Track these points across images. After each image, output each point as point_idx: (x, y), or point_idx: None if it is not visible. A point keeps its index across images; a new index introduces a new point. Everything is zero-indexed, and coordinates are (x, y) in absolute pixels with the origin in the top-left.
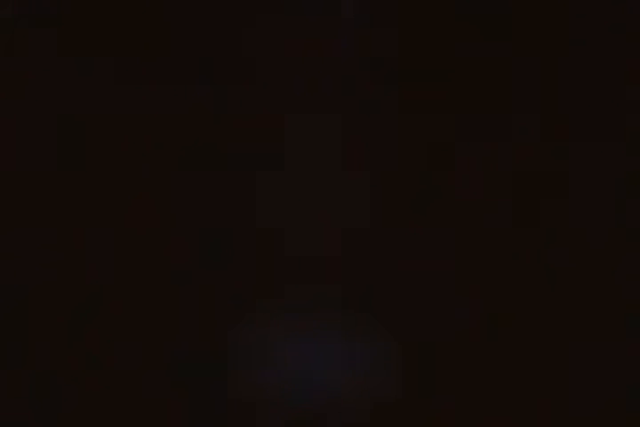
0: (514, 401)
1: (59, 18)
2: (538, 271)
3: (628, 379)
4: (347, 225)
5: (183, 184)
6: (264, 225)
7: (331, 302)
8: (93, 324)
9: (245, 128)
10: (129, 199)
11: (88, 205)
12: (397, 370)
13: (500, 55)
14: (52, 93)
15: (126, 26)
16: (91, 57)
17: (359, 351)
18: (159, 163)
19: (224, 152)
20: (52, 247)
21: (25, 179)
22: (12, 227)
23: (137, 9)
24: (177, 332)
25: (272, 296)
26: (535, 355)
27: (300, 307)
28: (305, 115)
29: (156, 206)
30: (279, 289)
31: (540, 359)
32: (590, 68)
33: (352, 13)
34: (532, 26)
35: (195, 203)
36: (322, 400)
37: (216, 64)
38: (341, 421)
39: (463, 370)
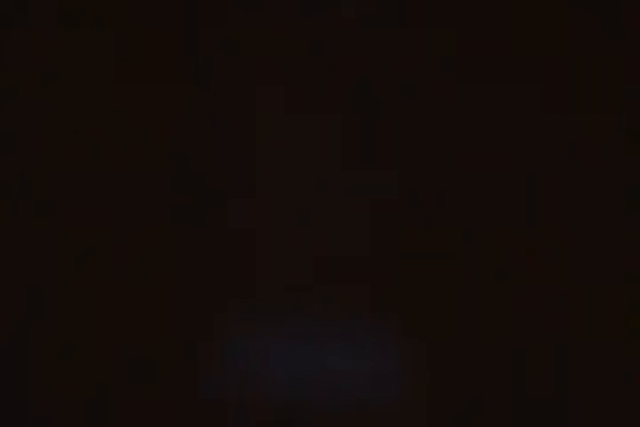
0: (515, 402)
1: (59, 17)
2: (538, 271)
3: (628, 379)
4: (346, 226)
5: (182, 184)
6: (264, 225)
7: (335, 303)
8: (70, 318)
9: (244, 127)
10: (128, 199)
11: (86, 205)
12: (404, 371)
13: (500, 54)
14: (51, 93)
15: (127, 25)
16: (90, 57)
17: (366, 353)
18: (159, 162)
19: (222, 151)
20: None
21: (23, 178)
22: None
23: (137, 8)
24: (174, 333)
25: (277, 298)
26: (537, 355)
27: (304, 309)
28: (305, 114)
29: (154, 207)
30: (287, 290)
31: (541, 358)
32: (590, 67)
33: (352, 13)
34: (532, 25)
35: (193, 202)
36: (323, 401)
37: (215, 64)
38: (343, 422)
39: (467, 370)
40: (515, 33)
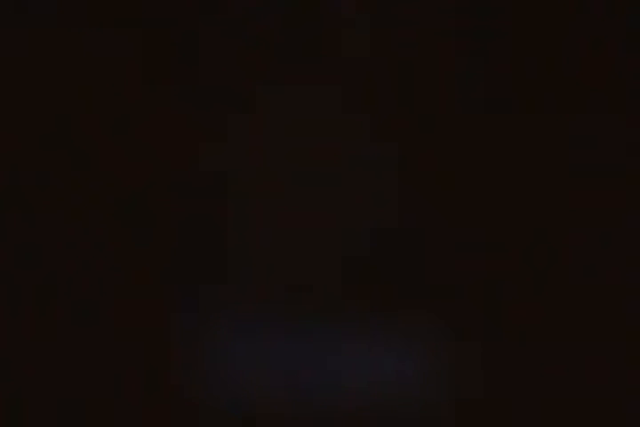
0: (516, 402)
1: (59, 17)
2: (537, 271)
3: (629, 379)
4: (346, 225)
5: (182, 184)
6: (263, 225)
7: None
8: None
9: (244, 127)
10: (128, 199)
11: (86, 205)
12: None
13: (499, 54)
14: (50, 93)
15: (126, 25)
16: (90, 57)
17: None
18: (159, 160)
19: (223, 151)
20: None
21: (21, 177)
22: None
23: (137, 8)
24: (173, 333)
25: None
26: (538, 355)
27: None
28: (304, 114)
29: (154, 207)
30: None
31: (542, 359)
32: (589, 69)
33: (352, 13)
34: (532, 24)
35: (192, 201)
36: (324, 401)
37: (215, 64)
38: (344, 422)
39: (465, 370)
40: (515, 33)
